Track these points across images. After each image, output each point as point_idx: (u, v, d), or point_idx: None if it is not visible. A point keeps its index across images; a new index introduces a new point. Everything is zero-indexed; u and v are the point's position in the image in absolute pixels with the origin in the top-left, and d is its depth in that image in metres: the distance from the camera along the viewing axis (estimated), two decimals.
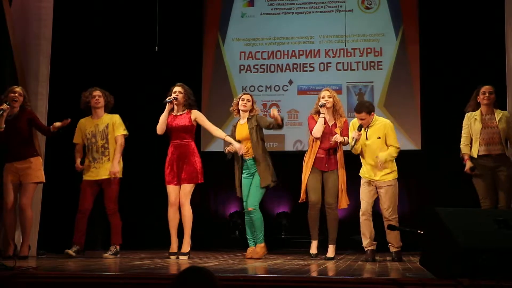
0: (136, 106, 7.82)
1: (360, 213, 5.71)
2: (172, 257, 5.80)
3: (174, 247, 5.89)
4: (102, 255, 5.89)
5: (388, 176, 5.64)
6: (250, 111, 6.06)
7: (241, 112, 6.06)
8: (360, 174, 5.78)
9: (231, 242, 6.87)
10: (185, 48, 8.48)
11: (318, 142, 5.88)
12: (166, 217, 5.94)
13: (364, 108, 5.61)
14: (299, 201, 5.94)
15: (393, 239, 5.65)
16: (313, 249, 5.91)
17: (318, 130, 5.84)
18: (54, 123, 5.85)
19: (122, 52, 8.22)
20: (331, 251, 5.84)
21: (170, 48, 8.14)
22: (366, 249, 5.70)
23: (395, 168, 5.69)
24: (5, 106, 5.67)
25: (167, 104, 5.91)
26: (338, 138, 5.76)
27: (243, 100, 6.05)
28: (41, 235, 6.26)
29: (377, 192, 5.69)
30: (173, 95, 5.96)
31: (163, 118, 5.93)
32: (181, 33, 8.46)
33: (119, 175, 6.01)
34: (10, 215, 5.75)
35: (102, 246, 6.08)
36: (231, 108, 6.16)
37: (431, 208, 3.74)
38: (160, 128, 5.94)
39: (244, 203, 5.98)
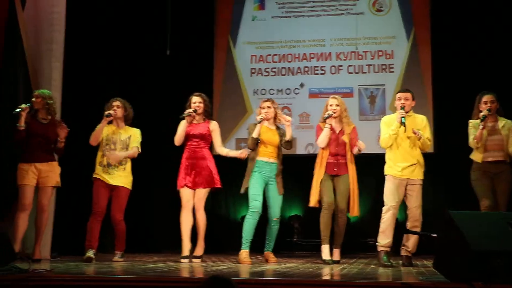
0: (147, 109, 7.84)
1: (385, 209, 5.57)
2: (183, 260, 5.78)
3: (186, 251, 5.87)
4: (112, 258, 5.92)
5: (420, 173, 5.62)
6: (275, 116, 6.07)
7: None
8: (386, 172, 5.68)
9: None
10: (196, 51, 8.51)
11: (328, 149, 5.87)
12: (178, 221, 5.96)
13: (409, 91, 5.77)
14: (309, 205, 5.92)
15: (411, 243, 5.60)
16: (326, 255, 5.82)
17: (322, 141, 5.84)
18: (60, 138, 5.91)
19: (133, 56, 8.27)
20: (337, 254, 5.83)
21: (181, 52, 8.19)
22: (381, 250, 5.57)
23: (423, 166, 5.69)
24: (24, 106, 5.76)
25: (186, 117, 5.96)
26: (361, 146, 5.77)
27: (263, 108, 6.05)
28: (55, 237, 6.31)
29: (404, 192, 5.62)
30: (193, 105, 6.02)
31: (182, 130, 5.97)
32: (192, 36, 8.49)
33: (113, 161, 5.93)
34: (24, 216, 5.78)
35: (113, 249, 6.09)
36: (259, 117, 6.06)
37: (444, 211, 3.74)
38: (179, 140, 5.99)
39: (253, 203, 5.90)
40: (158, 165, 7.60)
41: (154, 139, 7.01)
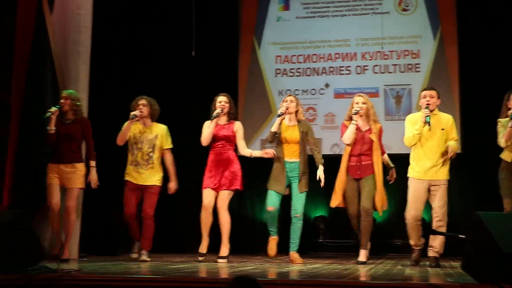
0: (172, 110, 7.87)
1: (408, 216, 5.58)
2: (200, 258, 5.88)
3: (204, 248, 5.95)
4: (138, 258, 5.95)
5: (444, 173, 5.58)
6: (296, 113, 6.05)
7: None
8: (409, 175, 5.66)
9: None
10: (221, 52, 8.50)
11: (349, 149, 5.83)
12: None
13: (434, 89, 5.69)
14: (331, 205, 5.92)
15: (438, 243, 5.54)
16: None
17: (347, 137, 5.79)
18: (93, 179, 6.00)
19: (159, 57, 8.33)
20: (363, 255, 5.76)
21: (206, 53, 8.21)
22: (413, 249, 5.65)
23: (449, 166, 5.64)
24: (53, 109, 5.86)
25: (215, 118, 5.98)
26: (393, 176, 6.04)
27: (285, 101, 6.02)
28: (82, 238, 6.36)
29: (428, 194, 5.59)
30: (218, 104, 6.03)
31: (210, 130, 5.98)
32: (217, 37, 8.50)
33: (174, 191, 6.19)
34: (56, 216, 5.90)
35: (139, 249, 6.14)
36: (279, 111, 6.08)
37: (473, 213, 3.70)
38: (206, 140, 6.01)
39: (267, 203, 5.96)
40: (185, 165, 7.61)
41: (180, 139, 7.03)
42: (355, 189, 5.81)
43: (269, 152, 5.97)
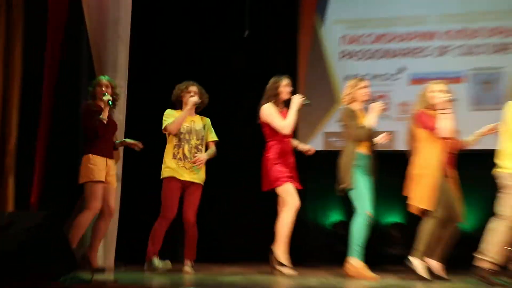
0: (223, 97, 7.81)
1: (498, 219, 5.14)
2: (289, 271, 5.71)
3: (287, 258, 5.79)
4: (181, 268, 5.84)
5: None
6: None
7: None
8: (506, 171, 5.27)
9: (334, 256, 6.74)
10: (277, 32, 8.39)
11: (446, 143, 5.44)
12: (250, 226, 5.98)
13: None
14: (424, 207, 5.61)
15: None
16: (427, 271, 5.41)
17: (451, 128, 5.41)
18: (125, 140, 6.10)
19: (208, 39, 8.28)
20: (441, 269, 5.51)
21: (262, 33, 8.10)
22: (485, 267, 5.13)
23: None
24: (109, 96, 5.82)
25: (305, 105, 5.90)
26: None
27: (365, 88, 5.84)
28: (118, 245, 6.32)
29: None
30: (286, 88, 5.99)
31: (295, 117, 5.89)
32: (273, 15, 8.37)
33: (200, 164, 5.96)
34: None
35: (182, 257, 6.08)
36: (346, 95, 5.89)
37: None
38: (292, 128, 5.90)
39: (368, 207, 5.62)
40: (236, 163, 7.58)
41: (232, 130, 6.98)
42: (450, 192, 5.47)
43: None
